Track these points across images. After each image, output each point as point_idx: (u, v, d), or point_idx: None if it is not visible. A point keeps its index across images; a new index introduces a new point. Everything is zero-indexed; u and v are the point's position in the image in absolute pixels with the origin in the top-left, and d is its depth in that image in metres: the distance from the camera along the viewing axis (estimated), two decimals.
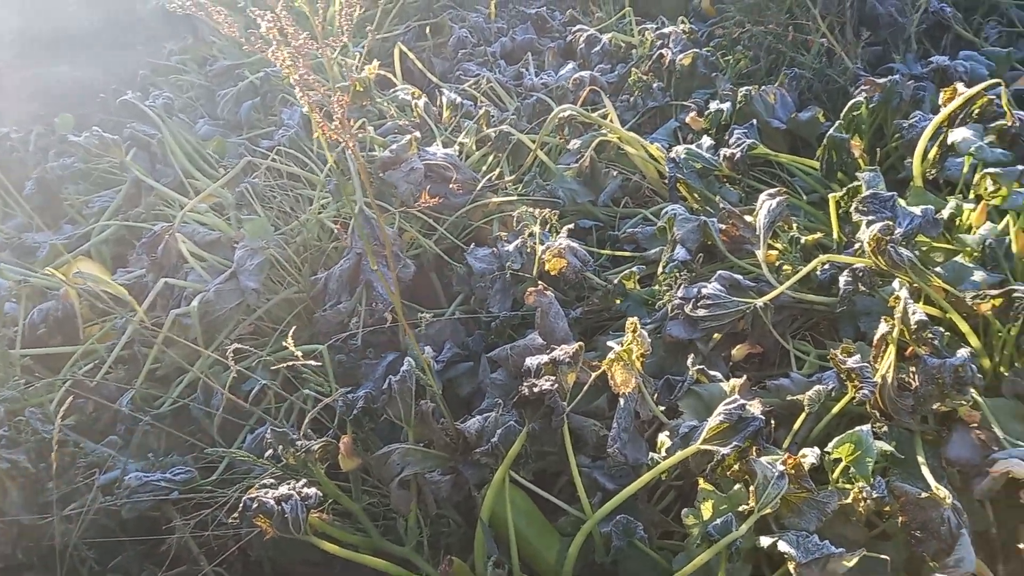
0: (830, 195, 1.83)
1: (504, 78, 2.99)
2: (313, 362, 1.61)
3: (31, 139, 2.70)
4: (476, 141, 2.43)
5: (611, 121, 2.42)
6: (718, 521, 1.15)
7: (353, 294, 1.94)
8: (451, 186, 2.20)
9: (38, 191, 2.45)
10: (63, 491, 1.50)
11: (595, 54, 3.06)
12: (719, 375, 1.52)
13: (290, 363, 1.52)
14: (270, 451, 1.44)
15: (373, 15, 3.35)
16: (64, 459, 1.55)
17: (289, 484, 1.22)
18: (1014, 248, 1.59)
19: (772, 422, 1.43)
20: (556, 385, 1.28)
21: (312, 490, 1.21)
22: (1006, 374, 1.38)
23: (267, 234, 1.95)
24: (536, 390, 1.27)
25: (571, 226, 2.00)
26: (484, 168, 2.38)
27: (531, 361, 1.35)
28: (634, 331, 1.42)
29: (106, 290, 1.90)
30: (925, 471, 1.21)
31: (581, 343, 1.38)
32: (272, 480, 1.29)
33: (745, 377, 1.46)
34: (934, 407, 1.27)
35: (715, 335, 1.67)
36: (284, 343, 1.44)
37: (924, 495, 1.15)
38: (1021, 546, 1.04)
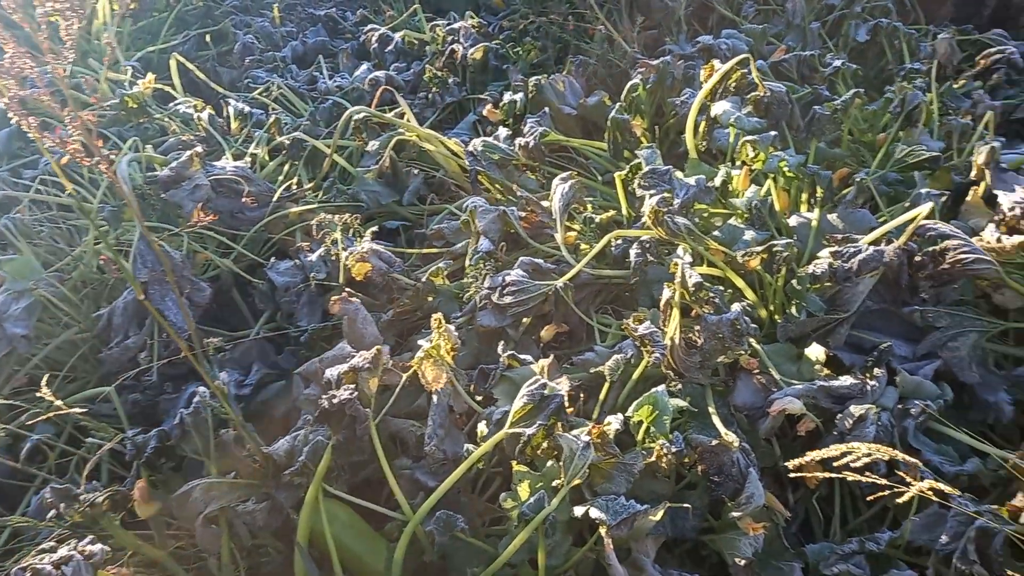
0: (616, 174, 1.92)
1: (297, 83, 2.89)
2: (102, 413, 1.46)
3: None
4: (269, 151, 2.32)
5: (408, 120, 2.41)
6: (532, 499, 1.17)
7: (142, 327, 1.79)
8: (244, 200, 2.09)
9: None
10: None
11: (389, 53, 3.03)
12: (530, 358, 1.55)
13: (68, 413, 1.37)
14: (52, 511, 1.29)
15: (148, 26, 3.12)
16: None
17: (70, 544, 1.10)
18: (776, 207, 1.74)
19: (582, 396, 1.47)
20: (355, 393, 1.24)
21: (97, 546, 1.10)
22: (779, 320, 1.51)
23: (33, 273, 1.75)
24: (336, 401, 1.22)
25: (375, 229, 1.97)
26: (280, 178, 2.28)
27: (331, 372, 1.31)
28: (439, 327, 1.42)
29: None
30: (716, 420, 1.29)
31: (379, 346, 1.36)
32: (52, 543, 1.15)
33: (553, 356, 1.50)
34: (720, 360, 1.36)
35: (524, 320, 1.70)
36: (46, 394, 1.29)
37: (715, 442, 1.23)
38: (802, 474, 1.14)
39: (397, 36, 3.08)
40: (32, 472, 1.57)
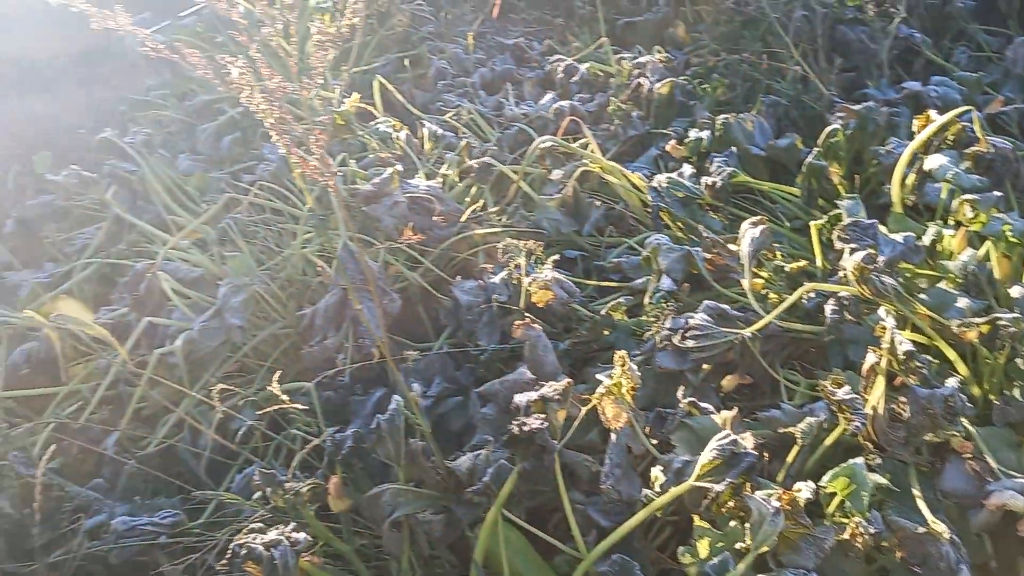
0: (812, 223, 1.85)
1: (484, 109, 3.01)
2: (299, 405, 1.58)
3: (9, 178, 2.67)
4: (459, 173, 2.43)
5: (592, 151, 2.44)
6: (715, 560, 1.14)
7: (339, 329, 1.93)
8: (435, 218, 2.20)
9: (18, 230, 2.42)
10: (48, 537, 1.47)
11: (574, 84, 3.10)
12: (710, 407, 1.52)
13: (277, 407, 1.49)
14: (258, 494, 1.41)
15: (351, 48, 3.36)
16: (49, 504, 1.51)
17: (278, 529, 1.20)
18: (996, 274, 1.61)
19: (765, 455, 1.43)
20: (546, 423, 1.27)
21: (302, 535, 1.19)
22: (996, 401, 1.39)
23: (251, 270, 1.94)
24: (526, 429, 1.26)
25: (556, 257, 2.01)
26: (467, 200, 2.39)
27: (520, 398, 1.34)
28: (623, 365, 1.42)
29: (87, 330, 1.87)
30: (921, 504, 1.21)
31: (570, 380, 1.38)
32: (261, 524, 1.26)
33: (736, 409, 1.46)
34: (926, 438, 1.28)
35: (704, 366, 1.68)
36: (270, 385, 1.42)
37: (922, 530, 1.15)
38: None
39: (583, 67, 3.14)
40: (237, 451, 1.73)
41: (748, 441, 1.29)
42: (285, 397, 1.46)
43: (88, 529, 1.46)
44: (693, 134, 2.47)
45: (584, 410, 1.46)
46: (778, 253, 1.92)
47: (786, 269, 1.84)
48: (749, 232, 1.82)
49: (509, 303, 1.92)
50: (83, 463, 1.74)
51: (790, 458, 1.41)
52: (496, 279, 1.96)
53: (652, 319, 1.78)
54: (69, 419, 1.75)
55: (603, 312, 1.87)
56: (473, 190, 2.41)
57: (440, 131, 2.63)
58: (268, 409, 1.48)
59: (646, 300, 1.87)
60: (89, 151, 3.08)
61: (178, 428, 1.81)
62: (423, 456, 1.40)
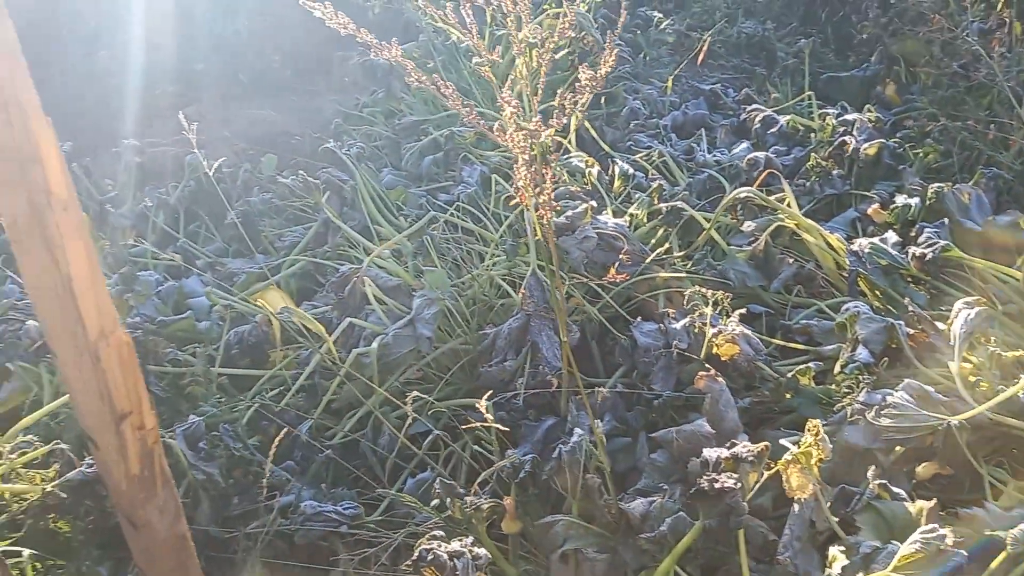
0: None
1: (675, 152, 3.01)
2: (485, 416, 1.65)
3: (239, 174, 2.99)
4: (647, 213, 2.45)
5: (789, 205, 2.38)
6: None
7: (519, 354, 1.99)
8: (621, 256, 2.23)
9: (239, 222, 2.69)
10: (245, 508, 1.61)
11: (771, 135, 3.03)
12: (902, 493, 1.43)
13: (467, 422, 1.56)
14: (436, 501, 1.48)
15: (551, 82, 3.48)
16: (248, 477, 1.66)
17: (460, 541, 1.25)
18: None
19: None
20: (739, 483, 1.25)
21: (483, 551, 1.24)
22: None
23: (445, 286, 2.05)
24: (717, 486, 1.24)
25: (743, 310, 1.97)
26: (653, 241, 2.39)
27: (710, 453, 1.33)
28: (815, 434, 1.37)
29: (298, 321, 2.05)
30: None
31: (767, 444, 1.35)
32: (441, 533, 1.32)
33: (934, 500, 1.37)
34: None
35: (898, 448, 1.58)
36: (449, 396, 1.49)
37: None
38: None
39: (782, 119, 3.07)
40: (412, 454, 1.83)
41: (948, 538, 1.20)
42: (486, 412, 1.52)
43: (280, 507, 1.58)
44: (900, 200, 2.34)
45: (767, 475, 1.42)
46: (993, 338, 1.78)
47: (1001, 356, 1.70)
48: (963, 312, 1.70)
49: (689, 351, 1.90)
50: (279, 444, 1.89)
51: (994, 564, 1.29)
52: (677, 325, 1.95)
53: (844, 390, 1.71)
54: (271, 402, 1.92)
55: (789, 375, 1.81)
56: (659, 233, 2.41)
57: (631, 170, 2.66)
58: (437, 413, 1.54)
59: (837, 369, 1.79)
60: (304, 157, 3.40)
61: (361, 424, 1.93)
62: (598, 493, 1.41)
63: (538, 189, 1.37)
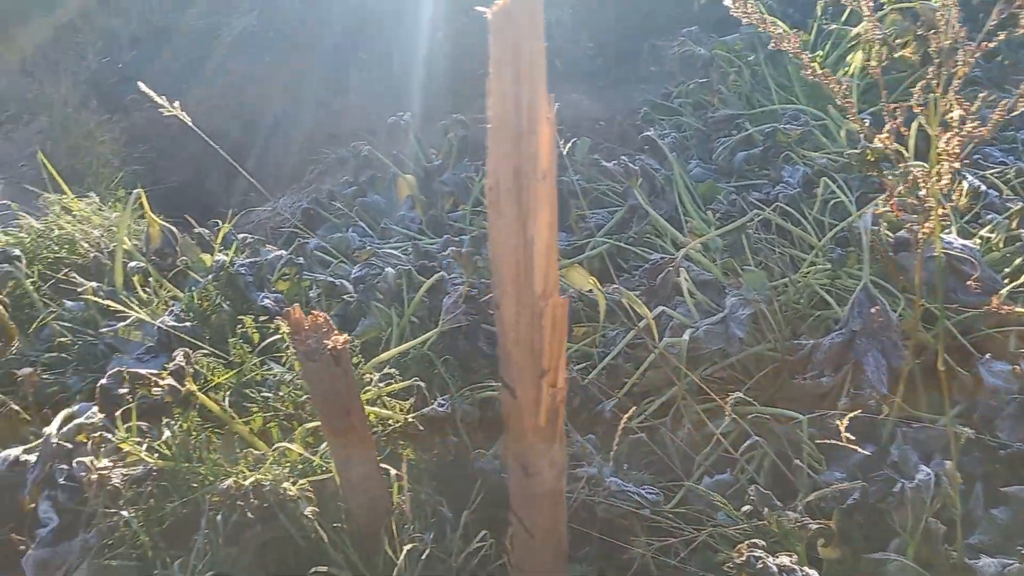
0: None
1: None
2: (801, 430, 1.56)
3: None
4: (1004, 239, 2.15)
5: None
6: None
7: (838, 371, 1.86)
8: (969, 283, 1.98)
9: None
10: None
11: None
12: None
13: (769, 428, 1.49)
14: (747, 507, 1.44)
15: (883, 81, 3.19)
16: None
17: (789, 556, 1.20)
18: None
19: None
20: None
21: (814, 573, 1.17)
22: None
23: (763, 288, 1.97)
24: None
25: None
26: (1007, 271, 2.10)
27: None
28: None
29: (607, 302, 2.10)
30: None
31: None
32: (761, 543, 1.28)
33: None
34: None
35: None
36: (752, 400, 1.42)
37: None
38: None
39: None
40: (710, 451, 1.79)
41: None
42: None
43: (589, 477, 1.64)
44: None
45: None
46: None
47: None
48: None
49: None
50: (578, 416, 1.96)
51: None
52: None
53: None
54: (577, 375, 1.99)
55: None
56: (1016, 262, 2.11)
57: (983, 187, 2.36)
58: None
59: None
60: (610, 142, 3.47)
61: (660, 412, 1.94)
62: (941, 540, 1.28)
63: (925, 202, 1.25)
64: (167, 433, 1.36)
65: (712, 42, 3.43)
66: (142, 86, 1.82)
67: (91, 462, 1.30)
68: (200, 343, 1.71)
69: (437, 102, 4.53)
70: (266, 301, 1.89)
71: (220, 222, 2.68)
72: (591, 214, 2.96)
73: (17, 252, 2.15)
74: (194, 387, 1.37)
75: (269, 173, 4.93)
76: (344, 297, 2.08)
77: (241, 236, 2.46)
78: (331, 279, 2.25)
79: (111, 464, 1.32)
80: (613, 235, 2.71)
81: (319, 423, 1.35)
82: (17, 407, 1.74)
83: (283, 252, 2.37)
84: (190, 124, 1.89)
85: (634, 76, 4.18)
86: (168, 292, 2.07)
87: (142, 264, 2.07)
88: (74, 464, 1.31)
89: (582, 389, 1.98)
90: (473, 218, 3.15)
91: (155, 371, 1.41)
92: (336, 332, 1.08)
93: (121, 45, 5.61)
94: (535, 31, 0.78)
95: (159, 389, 1.37)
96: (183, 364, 1.38)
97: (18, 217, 2.39)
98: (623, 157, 2.63)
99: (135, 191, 2.21)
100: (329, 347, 1.05)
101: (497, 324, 0.90)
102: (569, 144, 3.28)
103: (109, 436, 1.38)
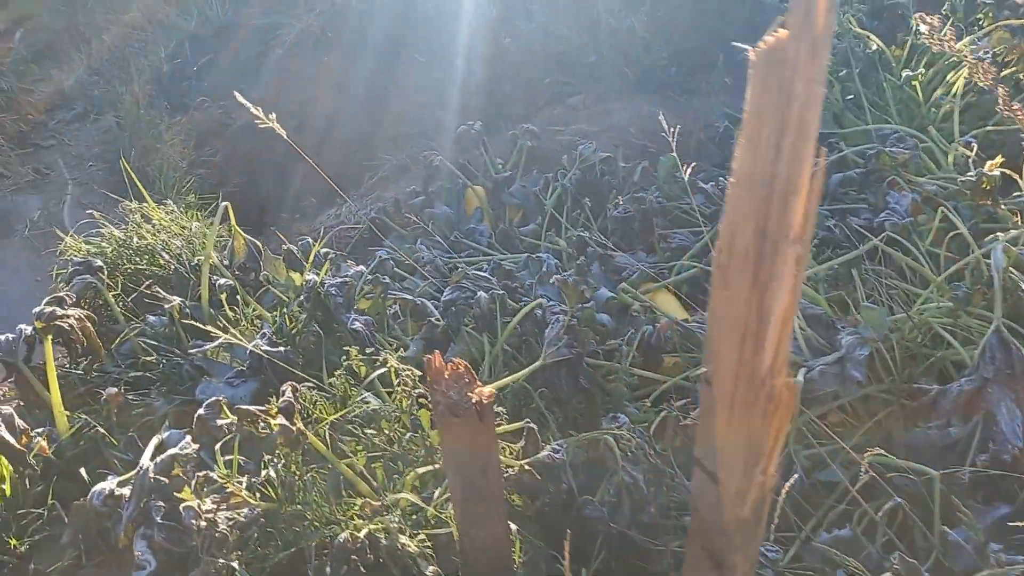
0: None
1: None
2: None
3: (636, 170, 3.02)
4: None
5: None
6: None
7: (967, 422, 1.72)
8: None
9: (635, 218, 2.71)
10: (657, 519, 1.59)
11: None
12: None
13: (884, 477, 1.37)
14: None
15: (985, 104, 3.02)
16: (662, 489, 1.64)
17: None
18: None
19: None
20: None
21: None
22: None
23: (882, 327, 1.84)
24: None
25: None
26: None
27: None
28: None
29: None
30: None
31: None
32: None
33: None
34: None
35: None
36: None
37: None
38: None
39: None
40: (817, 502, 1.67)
41: None
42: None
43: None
44: None
45: None
46: None
47: None
48: None
49: None
50: (678, 454, 1.85)
51: None
52: None
53: None
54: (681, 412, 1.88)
55: None
56: None
57: None
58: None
59: None
60: (689, 158, 3.34)
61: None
62: None
63: None
64: (270, 471, 1.29)
65: None
66: (239, 96, 1.75)
67: (198, 506, 1.23)
68: (294, 370, 1.64)
69: (501, 108, 4.44)
70: (356, 324, 1.81)
71: (276, 230, 2.62)
72: (673, 233, 2.85)
73: (99, 263, 2.10)
74: (302, 426, 1.29)
75: (318, 175, 4.89)
76: (432, 320, 1.99)
77: (324, 251, 2.38)
78: (412, 297, 2.16)
79: (215, 505, 1.25)
80: (700, 258, 2.60)
81: (442, 473, 1.26)
82: (102, 428, 1.69)
83: (362, 268, 2.30)
84: (285, 136, 1.82)
85: (707, 88, 4.04)
86: (253, 310, 2.00)
87: (230, 281, 2.00)
88: (182, 510, 1.23)
89: (682, 430, 1.87)
90: (553, 235, 3.05)
91: (260, 407, 1.33)
92: (478, 383, 0.99)
93: (182, 42, 5.62)
94: (816, 73, 0.68)
95: (266, 427, 1.29)
96: (292, 400, 1.30)
97: (100, 225, 2.34)
98: (720, 178, 2.50)
99: (223, 204, 2.15)
100: (474, 401, 0.96)
101: (702, 399, 0.81)
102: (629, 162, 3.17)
103: (213, 476, 1.30)
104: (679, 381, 2.05)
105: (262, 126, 1.76)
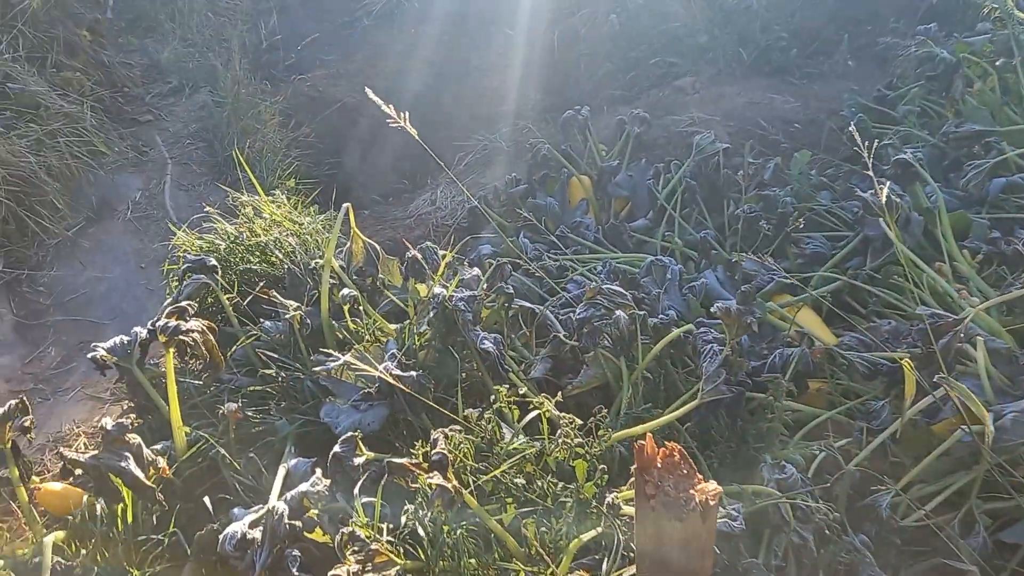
0: None
1: None
2: None
3: (769, 166, 2.79)
4: None
5: None
6: None
7: None
8: None
9: (761, 218, 2.49)
10: None
11: None
12: None
13: None
14: None
15: None
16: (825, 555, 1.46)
17: None
18: None
19: None
20: None
21: None
22: None
23: None
24: None
25: None
26: None
27: None
28: None
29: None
30: None
31: None
32: None
33: None
34: None
35: None
36: None
37: None
38: None
39: None
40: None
41: None
42: None
43: None
44: None
45: None
46: None
47: None
48: None
49: None
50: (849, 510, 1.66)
51: None
52: None
53: None
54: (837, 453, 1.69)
55: None
56: None
57: None
58: None
59: None
60: (820, 152, 3.09)
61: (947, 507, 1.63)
62: None
63: None
64: (418, 527, 1.16)
65: (952, 42, 2.96)
66: (370, 93, 1.61)
67: (347, 571, 1.11)
68: (425, 400, 1.51)
69: (600, 89, 4.20)
70: (486, 344, 1.66)
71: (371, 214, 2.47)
72: (806, 239, 2.61)
73: (213, 261, 2.00)
74: (457, 483, 1.15)
75: (407, 154, 4.74)
76: (559, 336, 1.84)
77: (428, 244, 2.23)
78: (534, 306, 2.01)
79: (359, 566, 1.13)
80: (842, 269, 2.37)
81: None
82: (220, 448, 1.59)
83: (477, 272, 2.15)
84: (415, 137, 1.66)
85: (831, 71, 3.74)
86: (374, 321, 1.87)
87: (353, 292, 1.87)
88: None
89: (850, 476, 1.67)
90: (667, 233, 2.85)
91: (414, 461, 1.20)
92: (698, 475, 0.83)
93: (270, 10, 5.52)
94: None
95: (418, 482, 1.16)
96: (445, 453, 1.16)
97: (205, 213, 2.25)
98: (873, 190, 2.25)
99: (343, 205, 2.02)
100: (697, 500, 0.80)
101: None
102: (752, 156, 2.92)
103: (359, 534, 1.18)
104: (836, 416, 1.85)
105: (392, 124, 1.61)
